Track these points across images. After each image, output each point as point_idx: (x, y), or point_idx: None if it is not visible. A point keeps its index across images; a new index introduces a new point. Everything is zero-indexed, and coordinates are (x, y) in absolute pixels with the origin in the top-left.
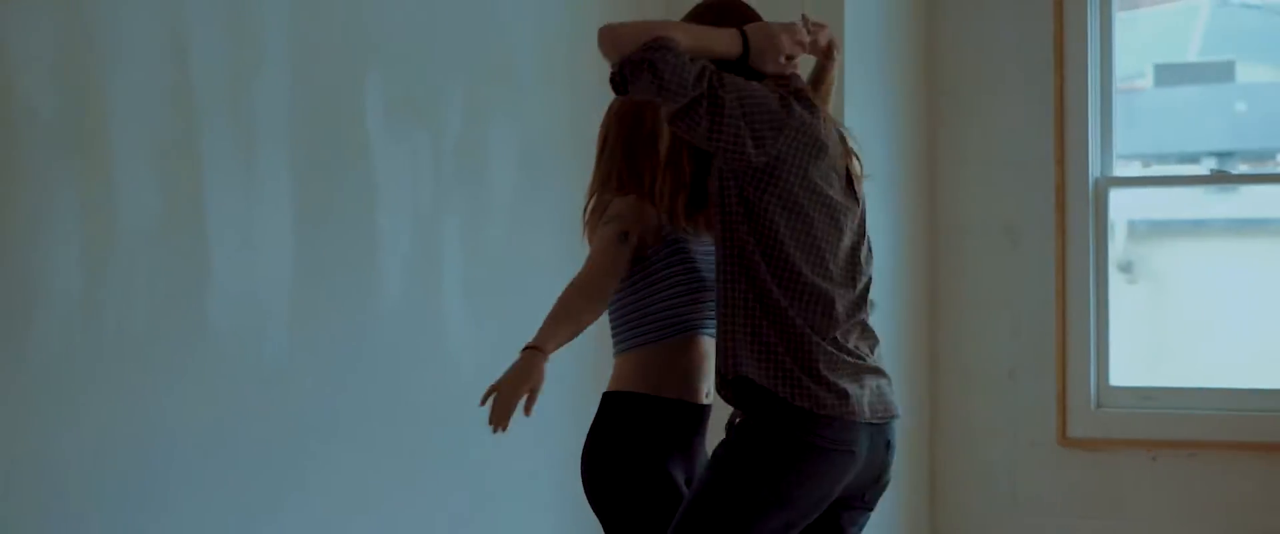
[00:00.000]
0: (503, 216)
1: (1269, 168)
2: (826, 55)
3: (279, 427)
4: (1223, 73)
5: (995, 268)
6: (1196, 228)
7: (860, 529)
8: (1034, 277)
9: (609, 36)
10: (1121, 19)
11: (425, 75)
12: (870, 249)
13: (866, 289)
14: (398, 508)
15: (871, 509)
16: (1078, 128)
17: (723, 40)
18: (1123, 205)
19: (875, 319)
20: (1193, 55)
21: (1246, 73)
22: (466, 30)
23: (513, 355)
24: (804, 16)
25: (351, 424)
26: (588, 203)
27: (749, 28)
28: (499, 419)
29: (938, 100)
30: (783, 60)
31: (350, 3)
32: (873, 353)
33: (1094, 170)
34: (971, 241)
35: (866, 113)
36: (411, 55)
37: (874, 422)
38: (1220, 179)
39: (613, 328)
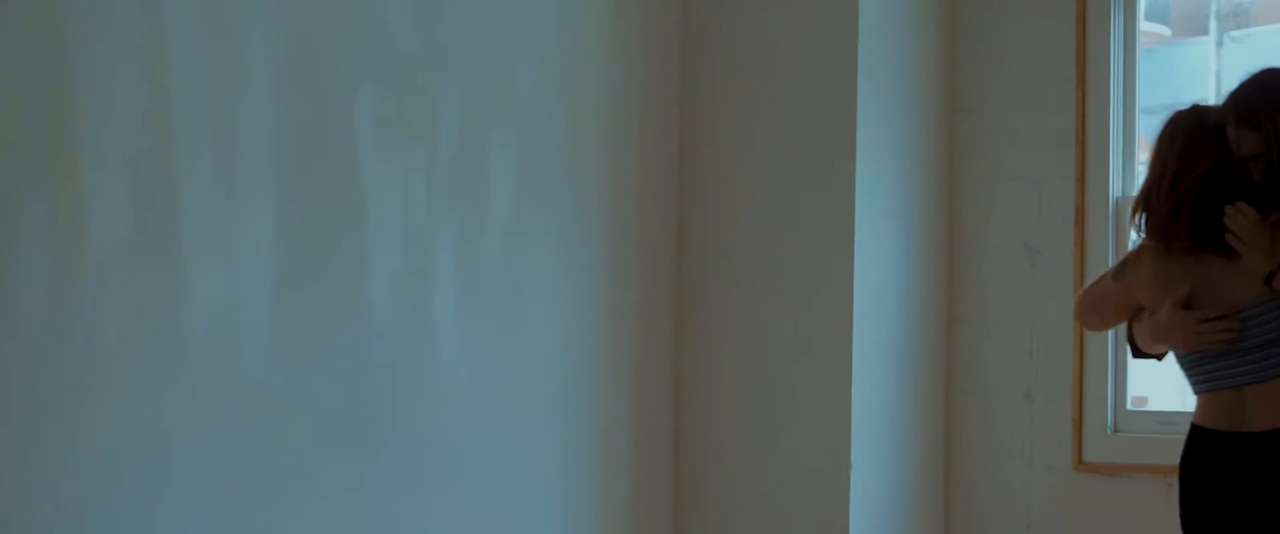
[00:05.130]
0: (499, 232)
1: None
2: None
3: (261, 441)
4: None
5: (1013, 288)
6: None
7: None
8: (1052, 297)
9: None
10: (1233, 37)
11: (419, 88)
12: None
13: None
14: (383, 527)
15: None
16: (1099, 146)
17: None
18: None
19: (891, 338)
20: None
21: None
22: (464, 41)
23: (507, 373)
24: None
25: (336, 439)
26: None
27: None
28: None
29: (958, 118)
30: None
31: (342, 14)
32: None
33: (1115, 190)
34: (989, 261)
35: (882, 129)
36: (405, 67)
37: None
38: None
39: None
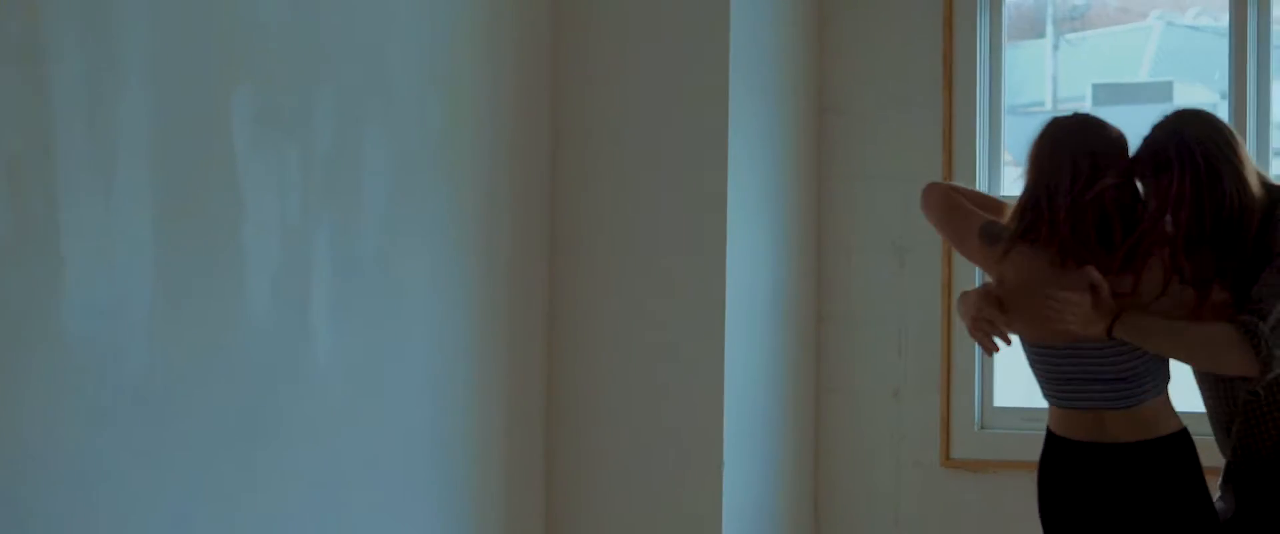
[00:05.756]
0: (375, 230)
1: None
2: None
3: (139, 441)
4: (1161, 93)
5: (882, 287)
6: None
7: None
8: (920, 296)
9: None
10: (1069, 40)
11: (294, 85)
12: None
13: None
14: (261, 527)
15: None
16: (966, 147)
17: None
18: None
19: (762, 337)
20: (1144, 75)
21: (1184, 93)
22: (339, 39)
23: (382, 371)
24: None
25: (215, 439)
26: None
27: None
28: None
29: (826, 117)
30: None
31: (218, 12)
32: None
33: (982, 190)
34: (858, 260)
35: (753, 128)
36: (281, 65)
37: None
38: None
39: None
